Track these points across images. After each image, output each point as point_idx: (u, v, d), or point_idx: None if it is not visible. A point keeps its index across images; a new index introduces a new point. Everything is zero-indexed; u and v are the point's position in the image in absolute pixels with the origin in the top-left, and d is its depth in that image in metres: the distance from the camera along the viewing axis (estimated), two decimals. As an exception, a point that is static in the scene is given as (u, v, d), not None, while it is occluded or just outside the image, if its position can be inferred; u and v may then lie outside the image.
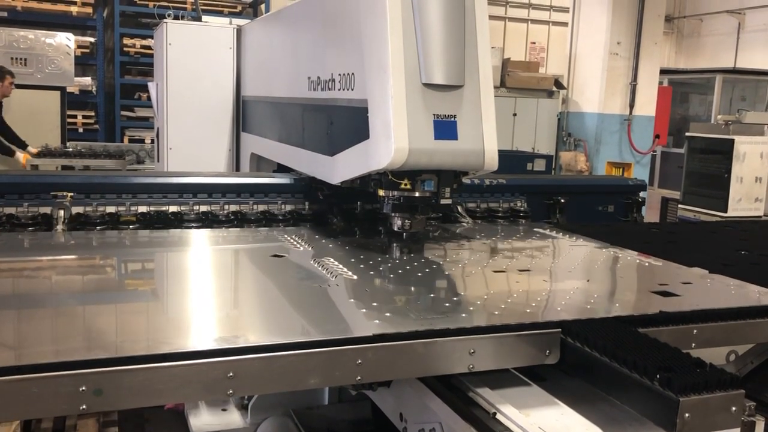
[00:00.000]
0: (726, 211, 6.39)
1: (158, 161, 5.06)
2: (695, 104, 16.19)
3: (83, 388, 1.39)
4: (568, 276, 2.41)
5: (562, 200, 3.75)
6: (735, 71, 14.84)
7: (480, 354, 1.71)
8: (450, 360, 1.69)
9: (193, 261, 2.62)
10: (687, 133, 7.15)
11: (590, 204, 3.93)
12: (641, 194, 4.07)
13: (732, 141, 6.34)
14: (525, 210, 3.54)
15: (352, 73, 2.57)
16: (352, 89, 2.57)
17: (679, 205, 6.89)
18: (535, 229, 3.19)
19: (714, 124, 8.50)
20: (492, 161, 2.51)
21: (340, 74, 2.68)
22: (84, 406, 1.40)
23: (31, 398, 1.37)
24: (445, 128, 2.42)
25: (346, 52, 2.64)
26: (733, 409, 1.42)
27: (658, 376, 1.43)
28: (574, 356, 1.73)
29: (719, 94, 14.28)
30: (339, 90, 2.69)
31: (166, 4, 9.91)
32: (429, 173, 2.50)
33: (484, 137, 2.48)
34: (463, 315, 1.86)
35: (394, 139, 2.33)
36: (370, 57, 2.44)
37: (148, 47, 10.72)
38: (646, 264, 2.58)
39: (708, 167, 6.70)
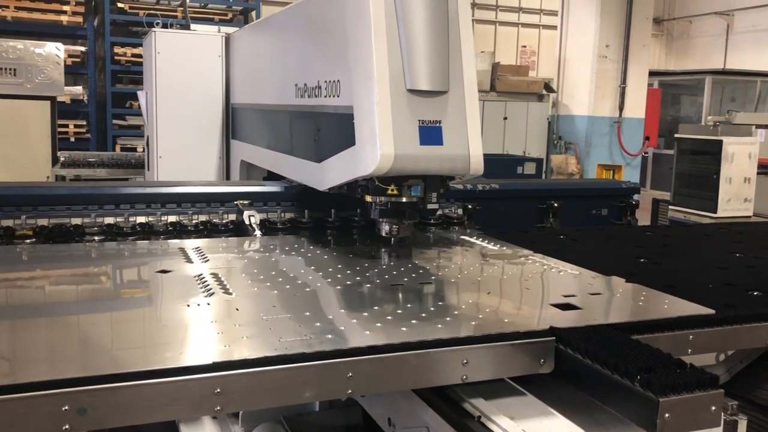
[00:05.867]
0: (716, 212, 6.41)
1: (148, 170, 5.07)
2: (686, 105, 16.26)
3: (66, 407, 1.35)
4: (469, 288, 2.29)
5: (555, 204, 3.76)
6: (724, 72, 14.93)
7: (473, 364, 1.68)
8: (443, 371, 1.66)
9: (71, 275, 2.46)
10: (676, 135, 7.17)
11: (584, 208, 3.93)
12: (634, 197, 4.07)
13: (720, 142, 6.36)
14: (458, 216, 3.45)
15: (338, 80, 2.59)
16: (338, 96, 2.59)
17: (670, 206, 6.92)
18: (462, 237, 3.06)
19: (702, 125, 8.56)
20: (477, 166, 2.52)
21: (326, 81, 2.70)
22: (67, 426, 1.35)
23: (13, 419, 1.33)
24: (431, 134, 2.43)
25: (332, 60, 2.66)
26: (713, 408, 1.43)
27: (638, 377, 1.44)
28: (565, 363, 1.72)
29: (709, 95, 14.35)
30: (325, 97, 2.71)
31: (155, 12, 9.92)
32: (415, 178, 2.51)
33: (470, 142, 2.50)
34: (329, 336, 1.71)
35: (379, 145, 2.35)
36: (355, 64, 2.46)
37: (139, 56, 10.72)
38: (561, 273, 2.45)
39: (697, 168, 6.73)
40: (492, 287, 2.31)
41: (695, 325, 1.90)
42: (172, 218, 3.02)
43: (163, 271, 2.34)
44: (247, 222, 3.03)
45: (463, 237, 3.09)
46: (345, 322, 1.85)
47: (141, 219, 2.98)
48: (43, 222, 2.86)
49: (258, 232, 2.99)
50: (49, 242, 2.79)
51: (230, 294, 2.06)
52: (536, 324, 1.84)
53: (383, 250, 2.72)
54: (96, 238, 2.85)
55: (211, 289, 2.09)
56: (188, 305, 1.95)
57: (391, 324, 1.81)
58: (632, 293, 2.21)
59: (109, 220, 2.94)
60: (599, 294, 2.22)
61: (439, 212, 3.41)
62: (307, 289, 2.16)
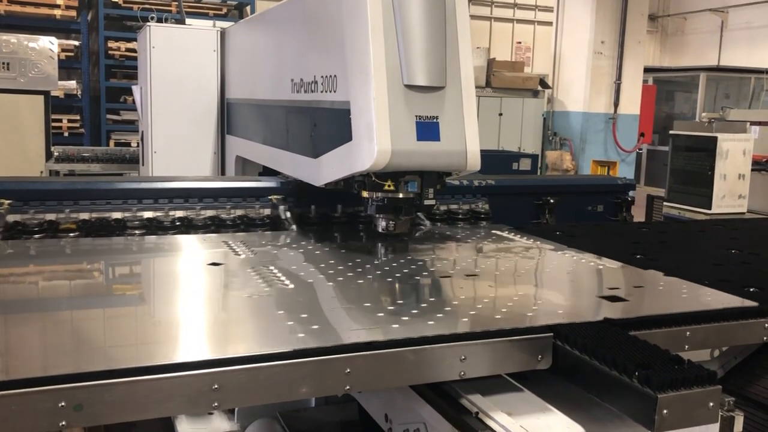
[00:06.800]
0: (710, 208, 6.43)
1: (143, 164, 5.05)
2: (680, 102, 16.30)
3: (62, 403, 1.34)
4: (516, 281, 2.34)
5: (552, 201, 3.76)
6: (719, 69, 14.96)
7: (471, 361, 1.67)
8: (441, 367, 1.66)
9: (125, 269, 2.52)
10: (671, 131, 7.19)
11: (580, 204, 3.93)
12: (630, 193, 4.08)
13: (715, 138, 6.38)
14: (486, 211, 3.46)
15: (335, 75, 2.58)
16: (335, 91, 2.58)
17: (664, 203, 6.94)
18: (494, 232, 3.10)
19: (697, 121, 8.57)
20: (474, 162, 2.52)
21: (322, 76, 2.69)
22: (63, 423, 1.34)
23: (9, 416, 1.31)
24: (428, 129, 2.42)
25: (329, 55, 2.65)
26: (711, 404, 1.43)
27: (636, 373, 1.44)
28: (563, 359, 1.72)
29: (703, 92, 14.39)
30: (322, 92, 2.69)
31: (150, 6, 9.88)
32: (412, 174, 2.51)
33: (467, 138, 2.49)
34: (394, 326, 1.75)
35: (376, 141, 2.34)
36: (351, 59, 2.45)
37: (133, 50, 10.67)
38: (601, 267, 2.49)
39: (692, 165, 6.75)
40: (538, 280, 2.36)
41: (692, 321, 1.91)
42: (210, 212, 3.06)
43: (214, 264, 2.36)
44: (283, 216, 3.09)
45: (494, 231, 3.12)
46: (406, 313, 1.86)
47: (179, 213, 3.02)
48: (84, 216, 2.88)
49: (293, 226, 3.06)
50: (91, 236, 2.82)
51: (287, 285, 2.10)
52: (591, 316, 1.86)
53: (418, 244, 2.73)
54: (137, 232, 2.90)
55: (268, 280, 2.13)
56: (249, 296, 2.00)
57: (449, 316, 1.85)
58: (674, 286, 2.25)
59: (148, 214, 2.97)
60: (641, 287, 2.25)
61: (466, 207, 3.45)
62: (360, 281, 2.20)
